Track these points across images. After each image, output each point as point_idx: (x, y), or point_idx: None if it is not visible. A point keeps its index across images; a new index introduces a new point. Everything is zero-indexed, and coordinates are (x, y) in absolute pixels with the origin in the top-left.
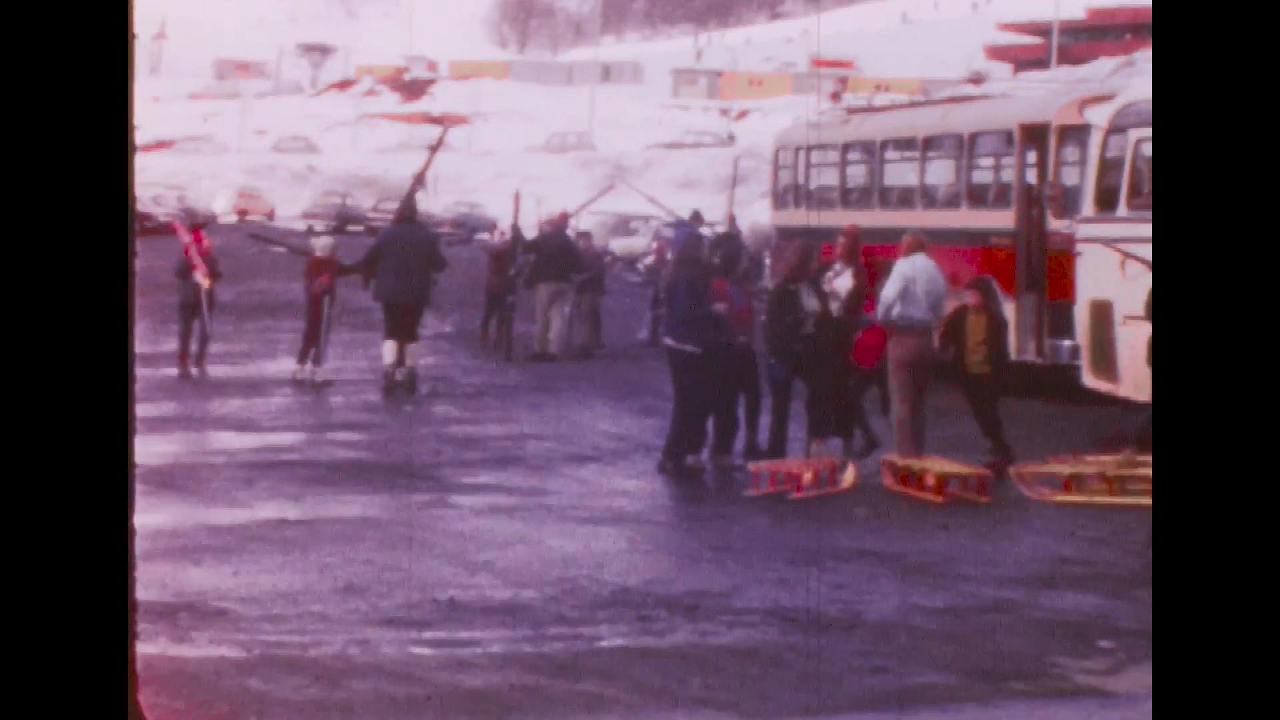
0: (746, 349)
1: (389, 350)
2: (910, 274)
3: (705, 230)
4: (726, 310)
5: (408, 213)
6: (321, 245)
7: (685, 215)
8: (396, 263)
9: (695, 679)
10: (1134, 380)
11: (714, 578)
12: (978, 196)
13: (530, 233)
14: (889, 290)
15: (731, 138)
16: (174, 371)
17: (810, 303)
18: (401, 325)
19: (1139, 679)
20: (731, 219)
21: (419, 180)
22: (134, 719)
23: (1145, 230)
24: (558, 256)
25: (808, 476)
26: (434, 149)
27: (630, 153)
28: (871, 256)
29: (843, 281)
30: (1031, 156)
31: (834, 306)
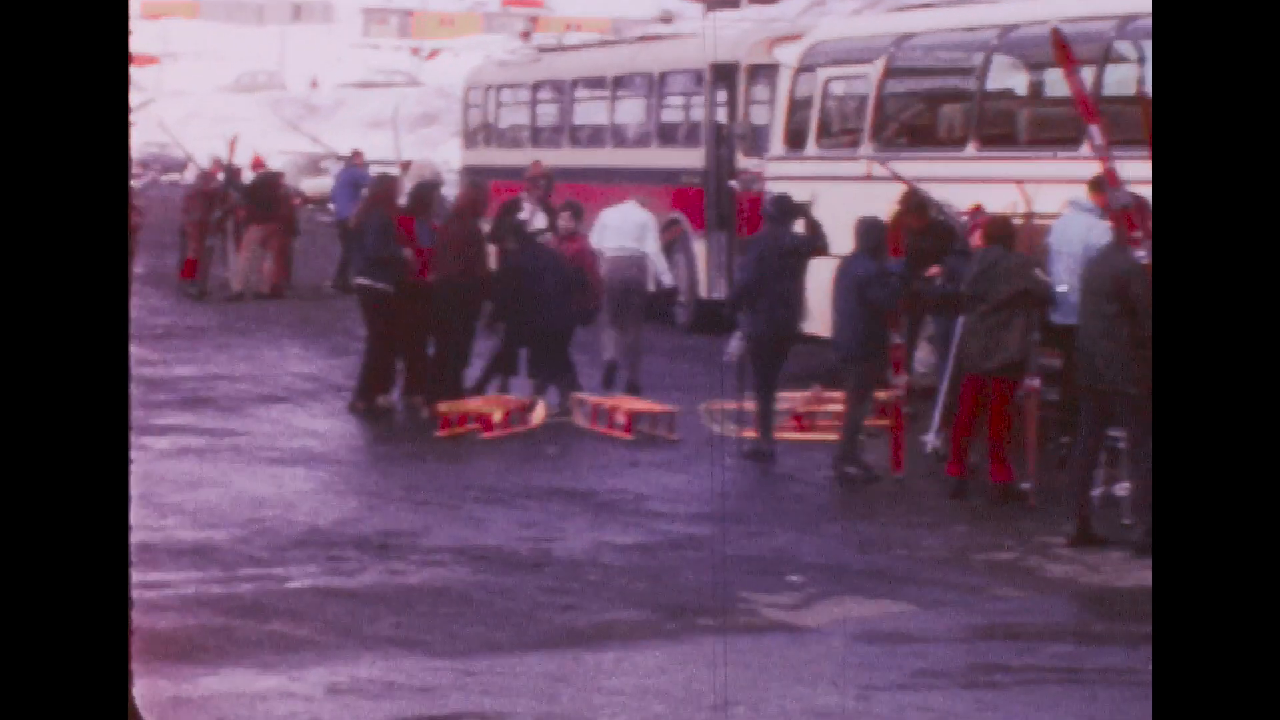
0: (439, 287)
1: None
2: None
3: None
4: (415, 250)
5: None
6: None
7: (410, 157)
8: None
9: (386, 618)
10: (823, 317)
11: (404, 517)
12: (668, 135)
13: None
14: None
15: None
16: None
17: (512, 241)
18: None
19: (827, 612)
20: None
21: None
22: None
23: (834, 168)
24: (267, 199)
25: (497, 416)
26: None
27: (321, 92)
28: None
29: (539, 220)
30: (721, 95)
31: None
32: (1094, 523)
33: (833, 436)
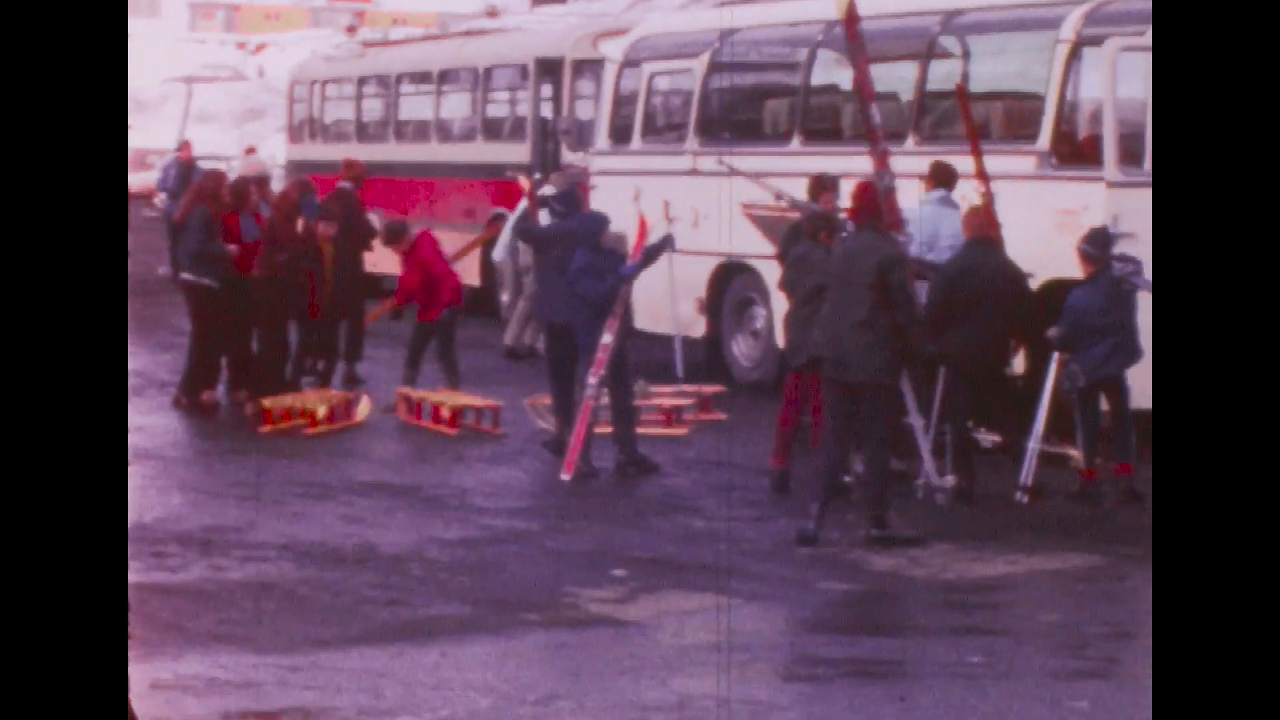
0: (262, 282)
1: None
2: None
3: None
4: (238, 245)
5: None
6: None
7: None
8: None
9: (210, 614)
10: (647, 311)
11: (229, 513)
12: (493, 130)
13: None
14: None
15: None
16: None
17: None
18: None
19: (650, 606)
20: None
21: None
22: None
23: (658, 163)
24: None
25: (322, 411)
26: None
27: (147, 87)
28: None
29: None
30: (546, 90)
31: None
32: (895, 516)
33: (660, 431)
